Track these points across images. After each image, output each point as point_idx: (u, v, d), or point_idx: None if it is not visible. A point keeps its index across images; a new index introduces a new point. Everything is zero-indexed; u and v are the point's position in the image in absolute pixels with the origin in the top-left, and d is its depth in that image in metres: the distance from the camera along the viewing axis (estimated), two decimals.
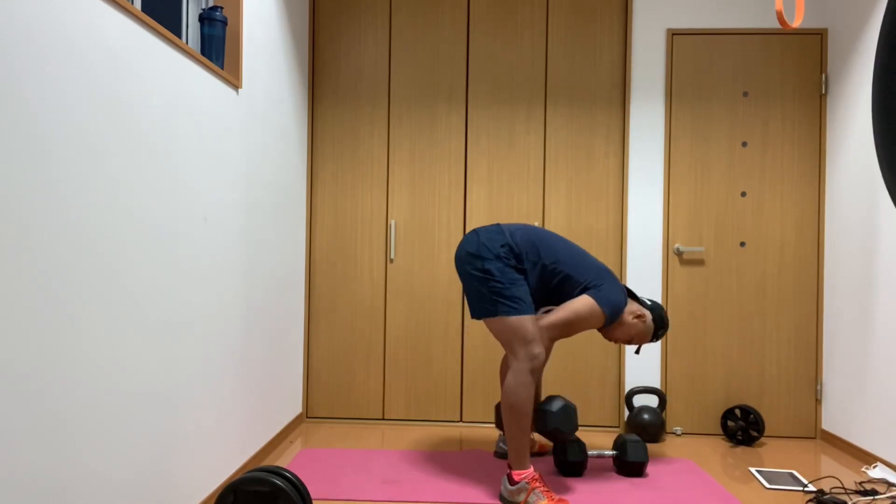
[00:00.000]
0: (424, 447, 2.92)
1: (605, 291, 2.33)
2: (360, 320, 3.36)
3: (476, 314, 2.33)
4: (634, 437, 2.59)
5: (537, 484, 2.18)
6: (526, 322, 2.23)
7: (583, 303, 2.31)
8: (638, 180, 3.28)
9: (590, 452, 2.62)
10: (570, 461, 2.52)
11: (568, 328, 2.31)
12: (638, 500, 2.31)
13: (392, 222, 3.34)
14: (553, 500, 2.15)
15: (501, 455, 2.76)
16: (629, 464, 2.54)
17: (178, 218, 1.89)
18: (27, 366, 1.27)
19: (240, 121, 2.38)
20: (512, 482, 2.21)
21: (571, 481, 2.48)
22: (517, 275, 2.29)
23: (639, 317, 2.43)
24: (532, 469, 2.23)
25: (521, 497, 2.19)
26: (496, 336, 2.30)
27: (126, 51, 1.60)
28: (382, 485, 2.40)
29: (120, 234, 1.58)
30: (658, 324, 2.49)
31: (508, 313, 2.24)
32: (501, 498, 2.27)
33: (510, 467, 2.25)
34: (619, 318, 2.40)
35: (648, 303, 2.52)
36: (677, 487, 2.44)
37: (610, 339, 2.48)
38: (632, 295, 2.54)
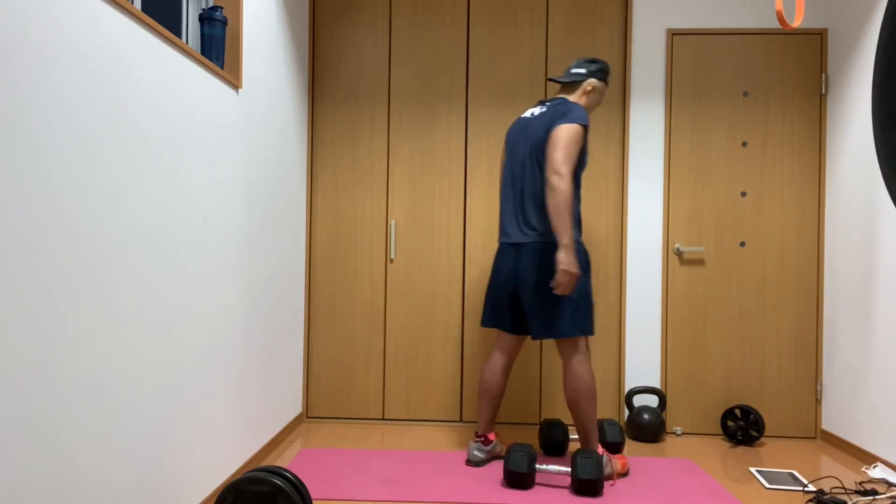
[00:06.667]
0: (424, 447, 2.92)
1: (571, 115, 2.46)
2: (360, 320, 3.36)
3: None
4: (610, 419, 2.82)
5: (604, 452, 2.53)
6: None
7: (566, 132, 2.41)
8: (638, 180, 3.28)
9: (571, 437, 2.87)
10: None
11: (571, 157, 2.42)
12: (638, 499, 2.31)
13: (392, 222, 3.33)
14: (621, 460, 2.55)
15: (477, 464, 2.64)
16: (607, 444, 2.75)
17: (178, 218, 1.89)
18: (23, 369, 1.27)
19: (240, 121, 2.38)
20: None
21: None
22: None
23: (588, 92, 2.59)
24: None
25: (609, 468, 2.47)
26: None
27: (126, 51, 1.60)
28: (382, 485, 2.40)
29: (119, 234, 1.58)
30: (602, 76, 2.61)
31: None
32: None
33: (588, 446, 2.50)
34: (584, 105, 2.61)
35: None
36: (677, 487, 2.44)
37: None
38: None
